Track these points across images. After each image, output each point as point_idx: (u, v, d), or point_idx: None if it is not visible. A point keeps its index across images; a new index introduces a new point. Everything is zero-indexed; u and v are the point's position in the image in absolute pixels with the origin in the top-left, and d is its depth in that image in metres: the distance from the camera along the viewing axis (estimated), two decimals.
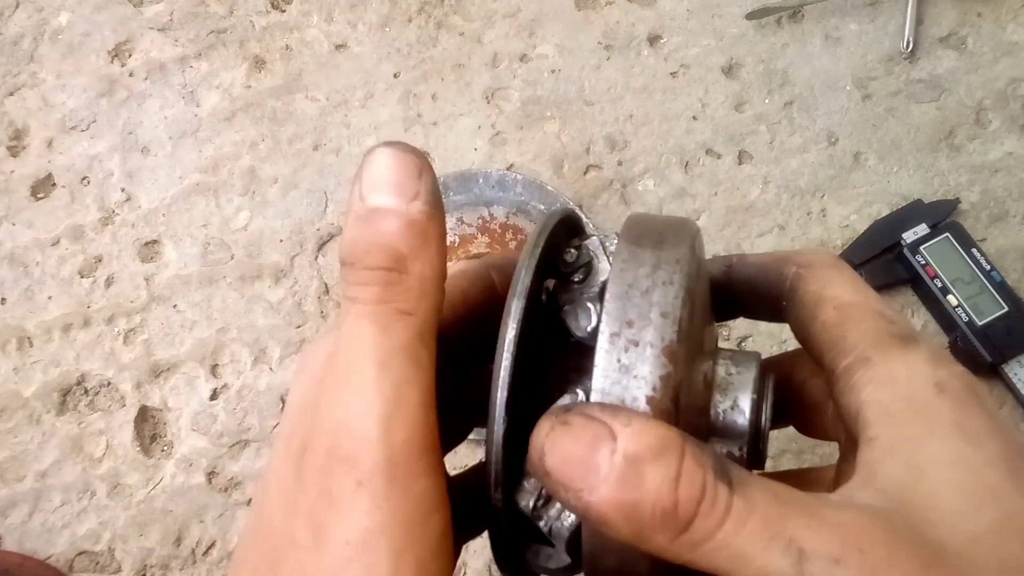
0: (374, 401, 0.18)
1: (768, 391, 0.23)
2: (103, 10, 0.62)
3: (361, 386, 0.18)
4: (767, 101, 0.61)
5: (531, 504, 0.20)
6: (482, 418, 0.22)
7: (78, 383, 0.55)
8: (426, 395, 0.19)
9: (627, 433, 0.17)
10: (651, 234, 0.21)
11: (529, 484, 0.20)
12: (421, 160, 0.20)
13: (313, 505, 0.18)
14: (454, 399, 0.26)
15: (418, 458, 0.18)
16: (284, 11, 0.63)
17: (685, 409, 0.19)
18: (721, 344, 0.27)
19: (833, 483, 0.22)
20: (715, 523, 0.16)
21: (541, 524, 0.20)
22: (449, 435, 0.26)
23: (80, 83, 0.61)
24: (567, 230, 0.23)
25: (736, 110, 0.61)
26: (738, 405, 0.22)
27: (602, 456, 0.16)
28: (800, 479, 0.25)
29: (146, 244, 0.58)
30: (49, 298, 0.57)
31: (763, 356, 0.26)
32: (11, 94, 0.60)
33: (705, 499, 0.16)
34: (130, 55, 0.62)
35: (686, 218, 0.23)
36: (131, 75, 0.61)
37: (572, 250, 0.22)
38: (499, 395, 0.20)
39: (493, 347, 0.23)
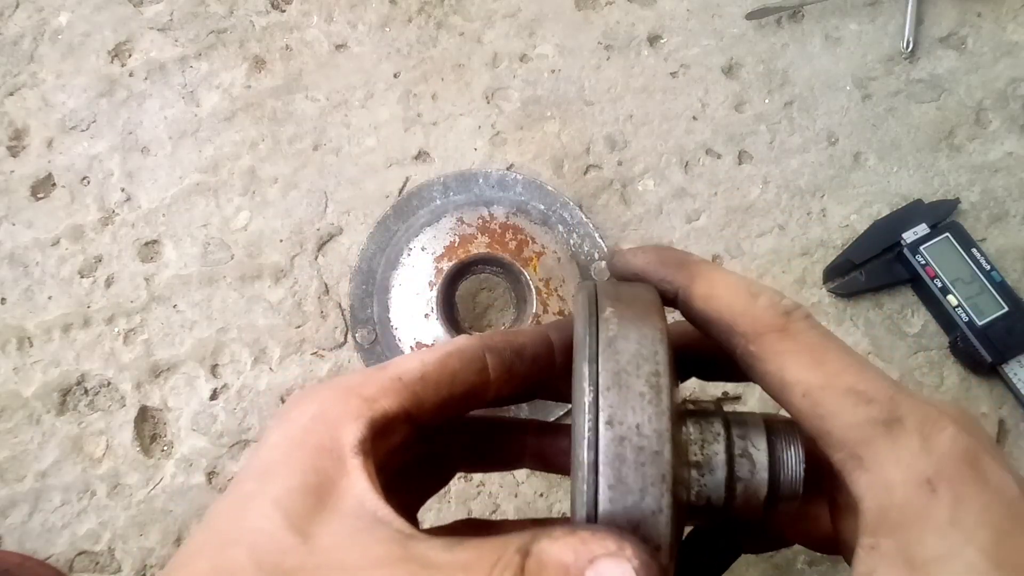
0: None
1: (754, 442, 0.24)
2: (103, 10, 0.62)
3: None
4: (767, 101, 0.61)
5: None
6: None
7: (78, 383, 0.55)
8: None
9: None
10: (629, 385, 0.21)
11: None
12: None
13: None
14: (420, 471, 0.29)
15: None
16: (284, 11, 0.63)
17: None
18: None
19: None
20: None
21: None
22: (415, 498, 0.30)
23: (80, 83, 0.61)
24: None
25: (736, 110, 0.61)
26: (713, 471, 0.23)
27: None
28: None
29: (146, 244, 0.58)
30: (49, 298, 0.57)
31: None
32: (11, 94, 0.60)
33: None
34: (130, 55, 0.62)
35: (649, 321, 0.22)
36: (131, 75, 0.61)
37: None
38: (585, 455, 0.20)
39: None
